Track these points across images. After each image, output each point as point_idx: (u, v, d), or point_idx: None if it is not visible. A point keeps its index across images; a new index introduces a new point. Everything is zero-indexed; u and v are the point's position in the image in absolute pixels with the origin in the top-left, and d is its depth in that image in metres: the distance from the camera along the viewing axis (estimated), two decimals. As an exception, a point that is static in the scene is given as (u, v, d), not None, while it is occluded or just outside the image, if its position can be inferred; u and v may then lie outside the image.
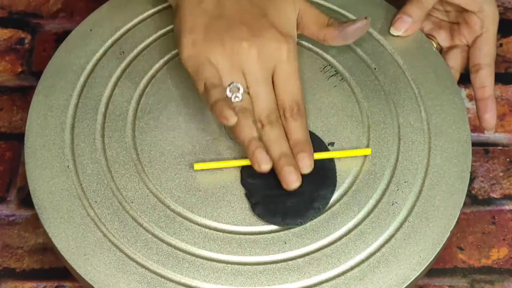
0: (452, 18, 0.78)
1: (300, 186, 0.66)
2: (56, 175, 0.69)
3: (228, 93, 0.66)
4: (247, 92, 0.67)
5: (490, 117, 0.74)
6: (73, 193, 0.68)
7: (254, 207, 0.67)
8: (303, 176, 0.67)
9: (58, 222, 0.67)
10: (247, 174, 0.68)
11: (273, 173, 0.67)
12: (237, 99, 0.66)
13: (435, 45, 0.77)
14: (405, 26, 0.75)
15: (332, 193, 0.68)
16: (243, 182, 0.68)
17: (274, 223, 0.67)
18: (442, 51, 0.77)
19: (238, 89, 0.66)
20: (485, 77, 0.74)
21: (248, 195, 0.68)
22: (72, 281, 0.71)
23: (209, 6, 0.68)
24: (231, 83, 0.66)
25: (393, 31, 0.75)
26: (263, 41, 0.67)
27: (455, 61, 0.76)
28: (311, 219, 0.67)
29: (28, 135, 0.71)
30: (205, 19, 0.68)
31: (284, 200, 0.67)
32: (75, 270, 0.65)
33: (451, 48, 0.77)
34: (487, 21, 0.74)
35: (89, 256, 0.65)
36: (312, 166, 0.66)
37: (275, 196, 0.67)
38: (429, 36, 0.78)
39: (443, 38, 0.78)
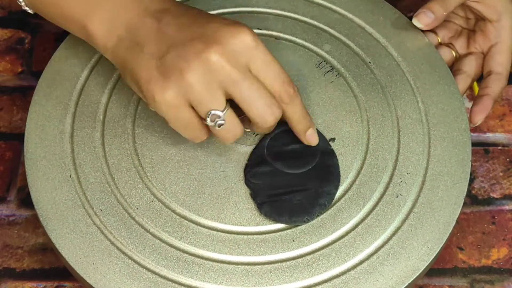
0: (471, 26, 0.79)
1: (305, 183, 0.67)
2: (58, 186, 0.68)
3: (209, 123, 0.63)
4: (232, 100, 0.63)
5: (478, 110, 0.75)
6: (77, 203, 0.68)
7: (260, 207, 0.67)
8: (307, 173, 0.67)
9: (64, 232, 0.66)
10: (251, 174, 0.68)
11: (276, 172, 0.68)
12: (222, 124, 0.63)
13: (454, 54, 0.78)
14: (426, 21, 0.76)
15: (336, 188, 0.68)
16: (247, 182, 0.68)
17: (281, 222, 0.67)
18: (459, 58, 0.79)
19: (219, 116, 0.63)
20: (492, 81, 0.75)
21: (253, 196, 0.68)
22: (72, 281, 0.70)
23: (151, 47, 0.63)
24: (208, 113, 0.62)
25: (415, 21, 0.76)
26: (221, 43, 0.62)
27: (469, 66, 0.77)
28: (318, 216, 0.67)
29: (27, 146, 0.70)
30: (154, 61, 0.63)
31: (290, 198, 0.67)
32: (85, 280, 0.65)
33: (466, 54, 0.78)
34: (503, 31, 0.76)
35: (98, 265, 0.65)
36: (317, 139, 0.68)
37: (280, 195, 0.67)
38: (448, 45, 0.79)
39: (460, 46, 0.79)
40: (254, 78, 0.62)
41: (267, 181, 0.68)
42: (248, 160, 0.69)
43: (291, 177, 0.68)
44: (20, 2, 0.69)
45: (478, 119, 0.74)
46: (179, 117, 0.63)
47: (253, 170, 0.68)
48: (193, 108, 0.63)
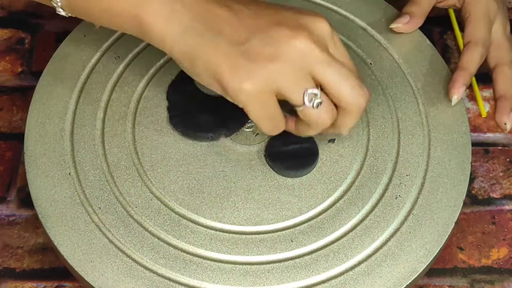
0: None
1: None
2: (58, 183, 0.68)
3: (307, 104, 0.61)
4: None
5: (450, 86, 0.72)
6: (76, 200, 0.68)
7: (171, 118, 0.71)
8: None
9: (62, 229, 0.66)
10: (172, 89, 0.72)
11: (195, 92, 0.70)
12: (320, 103, 0.61)
13: None
14: (403, 21, 0.76)
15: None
16: (168, 96, 0.72)
17: (187, 136, 0.70)
18: None
19: (316, 94, 0.61)
20: (463, 52, 0.73)
21: (169, 108, 0.71)
22: (72, 281, 0.70)
23: (230, 33, 0.60)
24: (305, 91, 0.60)
25: (392, 25, 0.76)
26: (306, 29, 0.60)
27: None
28: (224, 136, 0.70)
29: (27, 144, 0.70)
30: (236, 48, 0.60)
31: (199, 116, 0.70)
32: (83, 277, 0.65)
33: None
34: (469, 6, 0.74)
35: (96, 263, 0.65)
36: None
37: (192, 112, 0.70)
38: None
39: None
40: (339, 61, 0.61)
41: (185, 98, 0.71)
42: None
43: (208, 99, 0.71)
44: (56, 3, 0.63)
45: (450, 93, 0.72)
46: (265, 105, 0.60)
47: (175, 86, 0.72)
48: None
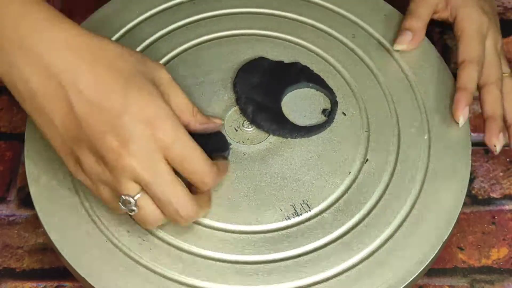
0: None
1: None
2: (58, 183, 0.68)
3: (122, 207, 0.61)
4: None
5: (455, 109, 0.72)
6: (76, 200, 0.68)
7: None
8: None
9: (62, 229, 0.66)
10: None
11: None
12: (133, 212, 0.61)
13: None
14: (407, 39, 0.75)
15: None
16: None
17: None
18: None
19: (130, 202, 0.60)
20: (458, 72, 0.73)
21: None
22: (72, 281, 0.71)
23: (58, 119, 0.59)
24: (120, 198, 0.61)
25: (396, 46, 0.76)
26: (134, 142, 0.59)
27: None
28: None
29: (27, 144, 0.70)
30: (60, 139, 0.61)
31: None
32: (83, 277, 0.65)
33: None
34: (461, 23, 0.74)
35: (96, 263, 0.65)
36: None
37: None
38: None
39: None
40: (167, 176, 0.60)
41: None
42: None
43: None
44: None
45: (455, 116, 0.72)
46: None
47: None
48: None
